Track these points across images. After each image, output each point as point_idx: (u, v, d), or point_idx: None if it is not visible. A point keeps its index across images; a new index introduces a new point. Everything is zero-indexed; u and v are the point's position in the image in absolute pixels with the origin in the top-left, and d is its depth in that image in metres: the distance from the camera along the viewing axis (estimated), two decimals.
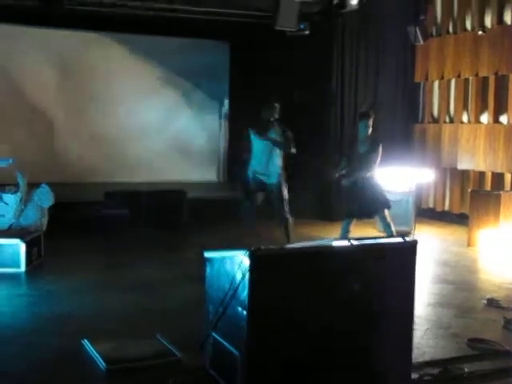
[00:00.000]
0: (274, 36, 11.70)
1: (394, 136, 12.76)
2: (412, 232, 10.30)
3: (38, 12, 11.52)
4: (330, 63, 12.84)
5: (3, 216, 9.30)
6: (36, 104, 14.39)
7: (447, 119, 12.96)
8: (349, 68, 12.94)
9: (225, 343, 4.59)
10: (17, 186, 9.50)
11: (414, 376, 4.93)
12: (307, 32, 11.65)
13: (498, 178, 11.72)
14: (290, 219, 8.94)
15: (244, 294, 4.26)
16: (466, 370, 5.12)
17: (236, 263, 4.34)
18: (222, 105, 16.34)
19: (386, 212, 8.74)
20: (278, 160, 8.85)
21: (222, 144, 16.47)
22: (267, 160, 8.83)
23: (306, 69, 13.04)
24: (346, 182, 8.68)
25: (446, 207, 12.94)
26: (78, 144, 14.67)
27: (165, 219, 10.82)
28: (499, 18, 11.70)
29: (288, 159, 9.04)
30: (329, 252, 4.61)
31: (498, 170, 11.69)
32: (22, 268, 8.12)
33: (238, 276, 4.29)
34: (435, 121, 13.28)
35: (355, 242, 4.63)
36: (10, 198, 9.36)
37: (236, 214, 9.20)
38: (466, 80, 12.43)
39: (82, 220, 10.41)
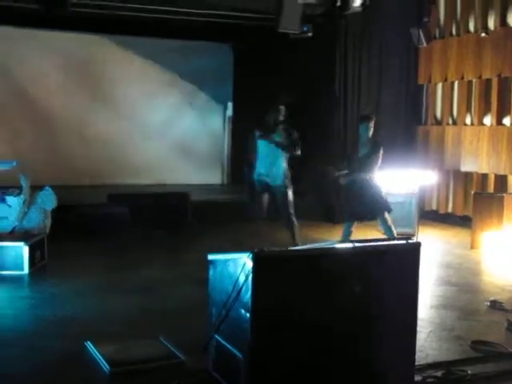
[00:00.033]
0: (277, 38, 11.71)
1: (397, 138, 12.77)
2: (415, 234, 10.29)
3: (43, 15, 11.53)
4: (333, 65, 12.83)
5: (6, 218, 9.30)
6: (39, 107, 14.42)
7: (450, 121, 12.95)
8: (352, 70, 12.93)
9: (228, 345, 4.59)
10: (20, 188, 9.50)
11: (417, 378, 4.93)
12: (310, 34, 11.64)
13: (501, 180, 11.71)
14: (296, 222, 8.93)
15: (247, 296, 4.26)
16: (470, 372, 5.11)
17: (239, 265, 4.34)
18: (225, 107, 16.37)
19: (387, 215, 8.75)
20: (282, 162, 8.84)
21: (226, 146, 16.50)
22: (272, 162, 8.82)
23: (309, 71, 13.05)
24: (344, 180, 8.70)
25: (450, 209, 12.93)
26: (81, 146, 14.70)
27: (168, 221, 10.81)
28: (502, 20, 11.69)
29: (292, 161, 9.04)
30: (332, 254, 4.60)
31: (501, 172, 11.67)
32: (25, 270, 8.13)
33: (241, 278, 4.29)
34: (438, 123, 13.26)
35: (358, 245, 4.64)
36: (14, 201, 9.37)
37: (245, 215, 9.17)
38: (470, 82, 12.42)
39: (85, 222, 10.41)
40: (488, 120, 12.05)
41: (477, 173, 12.22)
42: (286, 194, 8.82)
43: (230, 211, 12.04)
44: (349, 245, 4.67)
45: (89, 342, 5.49)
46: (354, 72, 12.96)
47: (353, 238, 8.43)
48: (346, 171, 8.69)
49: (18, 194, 9.43)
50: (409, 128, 13.45)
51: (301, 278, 4.38)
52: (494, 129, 11.84)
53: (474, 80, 12.30)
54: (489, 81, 11.97)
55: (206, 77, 15.64)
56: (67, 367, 5.17)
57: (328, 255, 4.58)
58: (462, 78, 12.51)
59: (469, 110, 12.50)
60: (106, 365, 5.06)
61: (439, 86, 13.23)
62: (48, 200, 9.60)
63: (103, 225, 10.37)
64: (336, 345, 4.51)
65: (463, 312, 6.90)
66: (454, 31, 12.77)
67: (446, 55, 12.83)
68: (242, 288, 4.28)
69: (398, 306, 4.69)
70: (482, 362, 5.43)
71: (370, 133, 8.72)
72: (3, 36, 13.70)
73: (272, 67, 13.88)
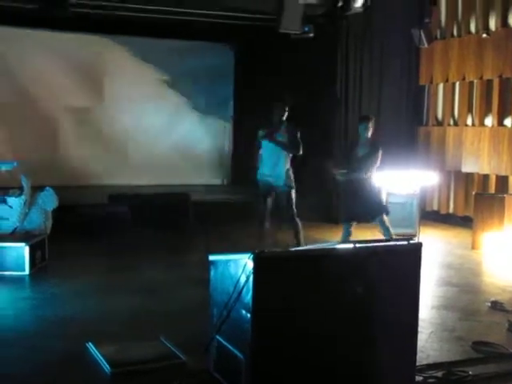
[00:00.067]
0: (279, 39, 11.71)
1: (398, 139, 12.76)
2: (416, 235, 10.28)
3: (43, 15, 11.53)
4: (334, 66, 12.83)
5: (7, 219, 9.30)
6: (40, 107, 14.41)
7: (451, 122, 12.95)
8: (353, 70, 12.93)
9: (229, 346, 4.59)
10: (21, 189, 9.50)
11: (418, 379, 4.93)
12: (311, 34, 11.65)
13: (503, 181, 11.70)
14: (300, 223, 8.90)
15: (248, 296, 4.26)
16: (471, 373, 5.11)
17: (240, 266, 4.34)
18: (226, 107, 16.35)
19: (385, 216, 8.76)
20: (284, 162, 8.79)
21: (227, 147, 16.48)
22: (274, 162, 8.78)
23: (311, 71, 13.05)
24: (341, 177, 8.71)
25: (451, 210, 12.93)
26: (82, 147, 14.68)
27: (169, 222, 10.80)
28: (503, 21, 11.69)
29: (293, 161, 9.02)
30: (333, 255, 4.60)
31: (503, 173, 11.67)
32: (26, 271, 8.13)
33: (242, 279, 4.29)
34: (439, 123, 13.26)
35: (359, 245, 4.63)
36: (15, 202, 9.37)
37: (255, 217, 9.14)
38: (471, 83, 12.42)
39: (86, 223, 10.41)
40: (489, 121, 12.04)
41: (478, 173, 12.22)
42: (289, 195, 8.79)
43: (231, 211, 12.04)
44: (350, 245, 4.66)
45: (89, 343, 5.49)
46: (356, 72, 12.96)
47: (353, 238, 8.43)
48: (344, 170, 8.70)
49: (19, 195, 9.43)
50: (410, 129, 13.45)
51: (302, 278, 4.38)
52: (495, 130, 11.83)
53: (475, 81, 12.30)
54: (490, 82, 11.97)
55: (206, 77, 15.61)
56: (68, 367, 5.17)
57: (329, 256, 4.58)
58: (463, 78, 12.51)
59: (470, 110, 12.50)
60: (107, 365, 5.06)
61: (440, 87, 13.23)
62: (49, 201, 9.59)
63: (104, 225, 10.36)
64: (337, 345, 4.50)
65: (464, 313, 6.90)
66: (455, 32, 12.77)
67: (447, 56, 12.83)
68: (242, 289, 4.28)
69: (399, 307, 4.69)
70: (482, 362, 5.43)
71: (369, 133, 8.73)
72: (3, 36, 13.69)
73: (273, 68, 13.88)
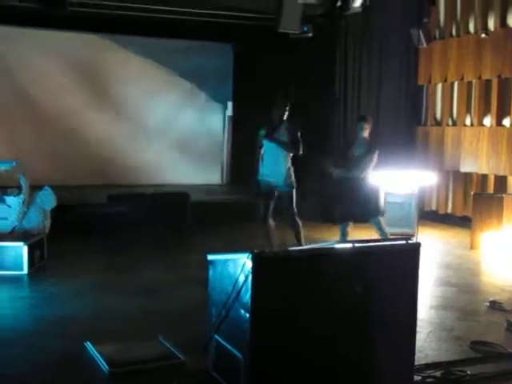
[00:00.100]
0: (278, 38, 11.71)
1: (396, 138, 12.77)
2: (415, 234, 10.29)
3: (41, 14, 11.53)
4: (333, 65, 12.84)
5: (6, 219, 9.29)
6: (38, 106, 14.41)
7: (450, 122, 12.95)
8: (352, 70, 12.95)
9: (228, 346, 4.59)
10: (19, 188, 9.49)
11: (417, 378, 4.93)
12: (310, 34, 11.65)
13: (501, 181, 11.71)
14: (300, 222, 8.88)
15: (247, 296, 4.26)
16: (469, 372, 5.12)
17: (239, 266, 4.34)
18: (225, 107, 16.37)
19: (380, 218, 8.79)
20: (285, 161, 8.75)
21: (226, 146, 16.49)
22: (275, 162, 8.75)
23: (309, 71, 13.05)
24: (336, 174, 8.71)
25: (449, 210, 12.94)
26: (80, 146, 14.68)
27: (168, 221, 10.80)
28: (502, 21, 11.69)
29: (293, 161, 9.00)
30: (331, 254, 4.60)
31: (501, 173, 11.68)
32: (25, 270, 8.13)
33: (241, 278, 4.29)
34: (438, 123, 13.27)
35: (358, 245, 4.64)
36: (13, 201, 9.36)
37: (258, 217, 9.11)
38: (469, 83, 12.43)
39: (85, 222, 10.41)
40: (488, 121, 12.05)
41: (476, 173, 12.23)
42: (291, 194, 8.76)
43: (229, 211, 12.05)
44: (348, 245, 4.67)
45: (88, 342, 5.49)
46: (354, 72, 12.97)
47: (351, 238, 8.43)
48: (341, 168, 8.73)
49: (18, 194, 9.42)
50: (408, 128, 13.46)
51: (300, 278, 4.38)
52: (494, 129, 11.84)
53: (473, 81, 12.30)
54: (489, 81, 11.98)
55: (205, 76, 15.62)
56: (67, 367, 5.17)
57: (328, 255, 4.59)
58: (462, 78, 12.52)
59: (468, 110, 12.50)
60: (106, 365, 5.06)
61: (439, 87, 13.24)
62: (47, 200, 9.59)
63: (103, 225, 10.36)
64: (336, 345, 4.51)
65: (463, 312, 6.90)
66: (453, 32, 12.78)
67: (445, 56, 12.83)
68: (241, 288, 4.28)
69: (398, 307, 4.69)
70: (481, 362, 5.43)
71: (366, 133, 8.75)
72: (2, 35, 13.69)
73: (272, 67, 13.87)
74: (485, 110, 12.10)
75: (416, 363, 4.96)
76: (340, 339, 4.51)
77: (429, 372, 5.09)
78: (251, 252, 4.22)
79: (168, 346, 5.46)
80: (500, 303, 7.08)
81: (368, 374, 4.64)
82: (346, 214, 8.80)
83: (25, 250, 8.13)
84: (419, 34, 12.14)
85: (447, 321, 6.60)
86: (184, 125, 15.87)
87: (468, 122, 12.50)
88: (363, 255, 4.62)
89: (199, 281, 5.76)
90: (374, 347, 4.61)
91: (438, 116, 13.30)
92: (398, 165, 10.93)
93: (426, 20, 12.23)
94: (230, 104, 16.29)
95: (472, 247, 10.28)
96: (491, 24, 11.92)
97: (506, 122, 11.67)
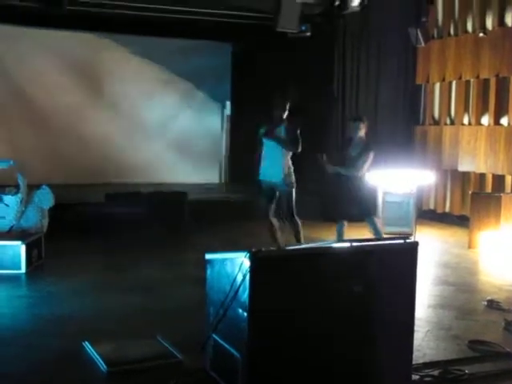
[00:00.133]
0: (276, 38, 11.71)
1: (395, 138, 12.78)
2: (413, 233, 10.29)
3: (38, 13, 11.52)
4: (331, 65, 12.85)
5: (4, 218, 9.28)
6: (36, 105, 14.40)
7: (448, 121, 12.96)
8: (350, 70, 12.96)
9: (225, 345, 4.59)
10: (17, 187, 9.49)
11: (415, 377, 4.93)
12: (308, 34, 11.65)
13: (499, 180, 11.72)
14: (299, 221, 8.87)
15: (244, 295, 4.26)
16: (467, 371, 5.11)
17: (237, 265, 4.34)
18: (223, 106, 16.37)
19: (376, 218, 8.80)
20: (284, 160, 8.71)
21: (224, 145, 16.49)
22: (274, 160, 8.73)
23: (308, 70, 13.05)
24: (331, 169, 8.71)
25: (447, 209, 12.94)
26: (78, 145, 14.67)
27: (165, 220, 10.80)
28: (500, 20, 11.70)
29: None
30: (329, 254, 4.60)
31: (499, 172, 11.68)
32: (23, 269, 8.12)
33: (239, 278, 4.29)
34: (436, 123, 13.27)
35: (356, 244, 4.63)
36: (11, 200, 9.35)
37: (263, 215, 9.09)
38: (467, 82, 12.43)
39: (83, 221, 10.40)
40: (486, 120, 12.05)
41: (474, 172, 12.24)
42: (290, 194, 8.75)
43: (227, 209, 12.05)
44: (346, 244, 4.66)
45: (86, 341, 5.49)
46: (353, 72, 12.98)
47: (349, 238, 8.42)
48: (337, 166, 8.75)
49: (16, 193, 9.42)
50: (406, 128, 13.46)
51: (298, 277, 4.38)
52: (492, 129, 11.85)
53: (471, 80, 12.31)
54: (487, 81, 11.98)
55: (204, 76, 15.61)
56: (64, 366, 5.16)
57: (325, 255, 4.58)
58: (460, 77, 12.52)
59: (466, 109, 12.51)
60: (103, 364, 5.05)
61: (437, 86, 13.24)
62: (45, 199, 9.58)
63: (100, 224, 10.35)
64: (333, 344, 4.50)
65: (461, 311, 6.90)
66: (452, 31, 12.78)
67: (443, 55, 12.84)
68: (239, 287, 4.28)
69: (396, 306, 4.69)
70: (479, 361, 5.43)
71: (361, 133, 8.75)
72: (2, 35, 13.67)
73: (270, 66, 13.87)
74: (483, 109, 12.11)
75: (414, 362, 4.97)
76: (338, 338, 4.51)
77: (427, 371, 5.09)
78: (249, 251, 4.21)
79: (166, 344, 5.46)
80: (498, 302, 7.08)
81: (366, 373, 4.64)
82: (341, 213, 8.80)
83: (23, 248, 8.12)
84: (417, 34, 12.14)
85: (445, 320, 6.61)
86: (182, 124, 15.87)
87: (466, 121, 12.51)
88: (361, 254, 4.62)
89: (197, 279, 5.76)
90: (372, 346, 4.60)
91: (436, 115, 13.30)
92: (396, 164, 10.94)
93: (424, 19, 12.23)
94: (228, 103, 16.29)
95: (470, 246, 10.28)
96: (489, 23, 11.92)
97: (504, 121, 11.68)
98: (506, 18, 11.63)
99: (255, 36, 13.57)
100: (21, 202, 9.37)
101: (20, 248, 8.12)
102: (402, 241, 4.82)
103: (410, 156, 12.78)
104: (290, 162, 8.75)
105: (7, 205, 9.33)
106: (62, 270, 8.33)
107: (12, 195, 9.40)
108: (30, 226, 9.34)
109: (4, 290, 7.45)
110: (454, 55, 12.58)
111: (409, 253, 4.75)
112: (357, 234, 9.16)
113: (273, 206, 8.80)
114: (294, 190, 8.76)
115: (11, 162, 9.81)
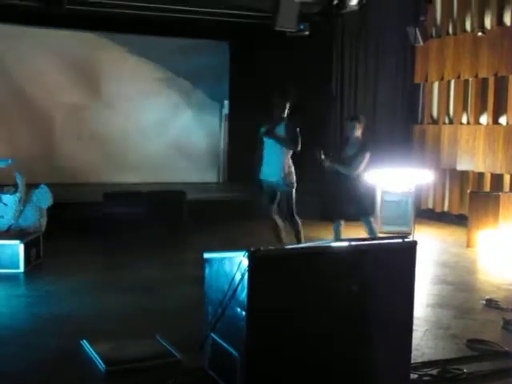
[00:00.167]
0: (274, 36, 11.69)
1: (393, 137, 12.79)
2: (411, 233, 10.28)
3: (38, 12, 11.52)
4: (329, 64, 12.84)
5: (2, 217, 9.28)
6: (35, 104, 14.40)
7: (447, 120, 12.96)
8: (348, 68, 12.95)
9: (224, 344, 4.59)
10: (16, 186, 9.48)
11: (413, 376, 4.93)
12: (307, 32, 11.65)
13: (498, 179, 11.72)
14: (300, 221, 8.85)
15: (243, 294, 4.26)
16: (466, 370, 5.11)
17: (235, 264, 4.34)
18: (222, 105, 16.36)
19: (372, 218, 8.82)
20: (284, 159, 8.69)
21: (222, 144, 16.49)
22: (274, 159, 8.71)
23: (306, 69, 13.04)
24: (328, 165, 8.70)
25: (446, 208, 12.94)
26: (77, 144, 14.68)
27: (164, 220, 10.79)
28: (499, 19, 11.70)
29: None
30: (328, 253, 4.60)
31: (498, 171, 11.69)
32: (21, 269, 8.11)
33: (237, 277, 4.28)
34: (435, 122, 13.27)
35: (354, 243, 4.63)
36: (9, 199, 9.34)
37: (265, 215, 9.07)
38: (466, 81, 12.43)
39: (81, 220, 10.39)
40: (484, 119, 12.06)
41: (473, 172, 12.24)
42: (290, 194, 8.73)
43: (226, 209, 12.04)
44: (345, 243, 4.66)
45: (84, 341, 5.49)
46: (351, 70, 12.98)
47: (346, 237, 8.42)
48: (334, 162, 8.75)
49: (14, 192, 9.41)
50: (405, 127, 13.46)
51: (297, 276, 4.38)
52: (491, 128, 11.85)
53: (470, 79, 12.31)
54: (485, 80, 11.98)
55: (202, 75, 15.61)
56: (63, 365, 5.16)
57: (324, 254, 4.58)
58: (459, 77, 12.52)
59: (465, 109, 12.51)
60: (102, 363, 5.05)
61: (435, 85, 13.24)
62: (43, 198, 9.58)
63: (99, 223, 10.35)
64: (332, 343, 4.50)
65: (459, 311, 6.91)
66: (450, 30, 12.78)
67: (442, 54, 12.84)
68: (237, 286, 4.28)
69: (395, 305, 4.69)
70: (477, 360, 5.44)
71: (358, 133, 8.74)
72: (1, 34, 13.67)
73: (268, 65, 13.86)
74: (481, 109, 12.11)
75: (412, 361, 4.97)
76: (336, 337, 4.51)
77: (425, 370, 5.09)
78: (247, 250, 4.21)
79: (164, 344, 5.46)
80: (496, 301, 7.08)
81: (365, 372, 4.64)
82: (339, 212, 8.80)
83: (21, 248, 8.11)
84: (416, 32, 12.13)
85: (444, 319, 6.61)
86: (181, 123, 15.87)
87: (464, 120, 12.51)
88: (360, 253, 4.62)
89: (195, 279, 5.75)
90: (371, 345, 4.60)
91: (435, 114, 13.30)
92: (394, 163, 10.94)
93: (422, 18, 12.22)
94: (226, 102, 16.28)
95: (468, 245, 10.28)
96: (488, 22, 11.92)
97: (503, 120, 11.68)
98: (504, 18, 11.63)
99: (254, 35, 13.58)
100: (19, 201, 9.37)
101: (18, 247, 8.11)
102: (400, 240, 4.82)
103: (409, 155, 12.78)
104: (291, 162, 8.72)
105: (6, 204, 9.32)
106: (60, 270, 8.33)
107: (10, 194, 9.39)
108: (28, 225, 9.34)
109: (2, 289, 7.44)
110: (453, 54, 12.59)
111: (407, 252, 4.75)
112: (353, 233, 9.17)
113: (275, 206, 8.79)
114: (293, 190, 8.74)
115: (9, 161, 9.80)
